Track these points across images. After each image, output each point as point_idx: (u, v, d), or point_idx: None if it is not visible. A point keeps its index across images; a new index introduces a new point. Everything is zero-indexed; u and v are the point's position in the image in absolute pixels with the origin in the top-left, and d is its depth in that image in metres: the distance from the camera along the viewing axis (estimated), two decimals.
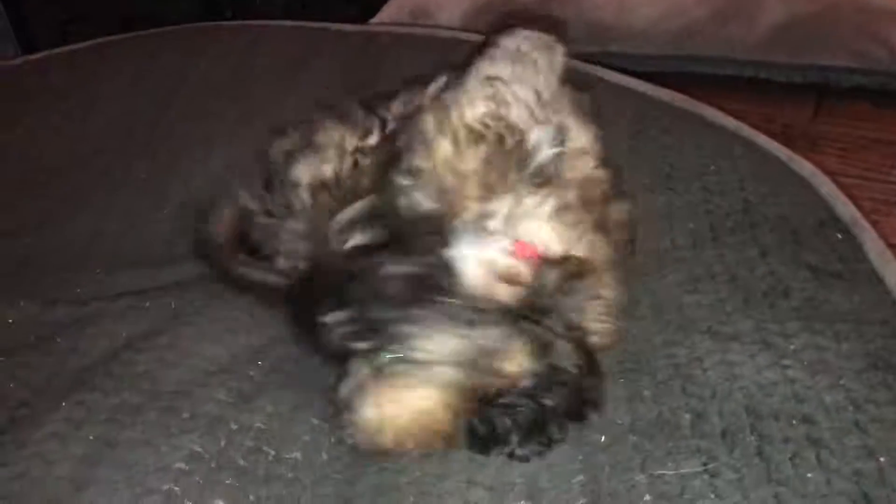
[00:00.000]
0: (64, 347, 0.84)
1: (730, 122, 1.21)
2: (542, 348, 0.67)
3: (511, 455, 0.68)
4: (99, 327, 0.87)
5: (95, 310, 0.90)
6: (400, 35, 1.49)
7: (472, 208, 0.73)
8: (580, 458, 0.70)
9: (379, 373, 0.66)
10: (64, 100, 1.31)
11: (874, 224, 1.56)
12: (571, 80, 1.32)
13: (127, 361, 0.80)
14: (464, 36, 1.47)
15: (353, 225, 0.75)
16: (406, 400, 0.65)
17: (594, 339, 0.72)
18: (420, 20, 2.02)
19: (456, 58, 1.35)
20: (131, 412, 0.72)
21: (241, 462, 0.69)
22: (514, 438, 0.67)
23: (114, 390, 0.75)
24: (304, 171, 0.88)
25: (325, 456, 0.72)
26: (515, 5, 2.01)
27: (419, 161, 0.73)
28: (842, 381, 0.73)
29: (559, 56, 0.86)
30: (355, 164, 0.86)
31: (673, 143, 1.15)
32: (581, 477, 0.68)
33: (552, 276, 0.70)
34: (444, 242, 0.70)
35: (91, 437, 0.70)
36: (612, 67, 1.46)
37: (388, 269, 0.67)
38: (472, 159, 0.73)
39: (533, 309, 0.69)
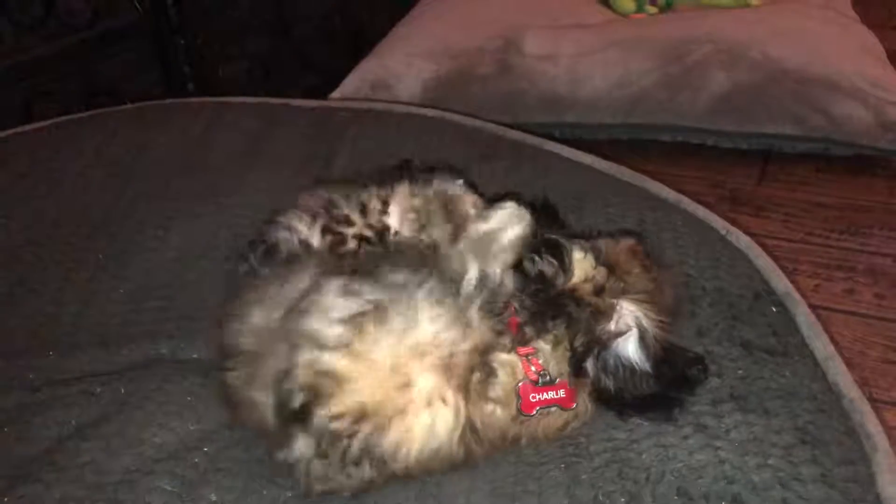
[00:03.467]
0: (12, 437, 0.84)
1: (671, 195, 1.26)
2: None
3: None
4: (49, 415, 0.87)
5: (47, 396, 0.90)
6: (358, 111, 1.54)
7: None
8: None
9: None
10: (23, 180, 1.32)
11: (815, 288, 1.64)
12: (522, 154, 1.39)
13: (73, 451, 0.80)
14: (420, 112, 1.52)
15: None
16: None
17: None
18: (380, 92, 2.08)
19: (412, 133, 1.43)
20: None
21: None
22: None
23: (56, 482, 0.75)
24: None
25: None
26: (473, 79, 2.09)
27: None
28: (770, 461, 0.76)
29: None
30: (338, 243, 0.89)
31: (616, 216, 1.19)
32: None
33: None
34: None
35: None
36: (567, 136, 1.53)
37: None
38: None
39: None
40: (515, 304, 0.78)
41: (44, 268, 1.13)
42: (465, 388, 0.73)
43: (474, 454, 0.75)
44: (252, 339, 0.80)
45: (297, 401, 0.71)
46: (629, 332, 0.78)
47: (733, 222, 1.18)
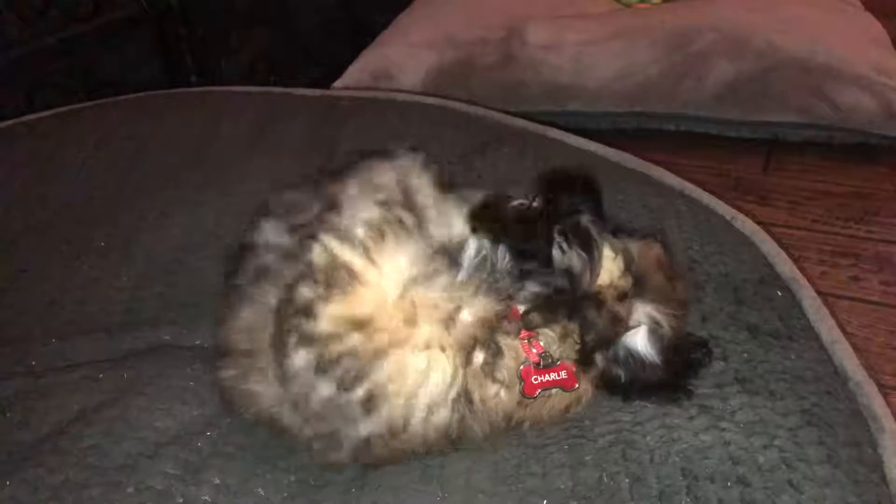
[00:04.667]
0: (14, 422, 0.84)
1: (675, 182, 1.25)
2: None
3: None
4: (50, 400, 0.87)
5: (49, 382, 0.90)
6: (360, 100, 1.54)
7: None
8: None
9: None
10: (26, 169, 1.32)
11: (821, 275, 1.63)
12: (526, 142, 1.39)
13: (75, 435, 0.80)
14: (422, 100, 1.52)
15: None
16: None
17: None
18: (382, 82, 2.08)
19: (415, 122, 1.42)
20: (76, 489, 0.72)
21: None
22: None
23: (59, 467, 0.75)
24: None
25: None
26: (475, 68, 2.09)
27: None
28: (776, 441, 0.75)
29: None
30: None
31: (621, 203, 1.19)
32: None
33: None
34: None
35: None
36: (570, 126, 1.52)
37: None
38: None
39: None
40: (516, 292, 0.76)
41: (46, 255, 1.13)
42: (466, 356, 0.72)
43: (467, 429, 0.74)
44: (244, 338, 0.79)
45: (306, 294, 0.70)
46: (639, 326, 0.77)
47: (739, 210, 1.18)
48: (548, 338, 0.77)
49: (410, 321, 0.71)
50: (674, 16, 2.18)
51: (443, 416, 0.71)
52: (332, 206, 0.77)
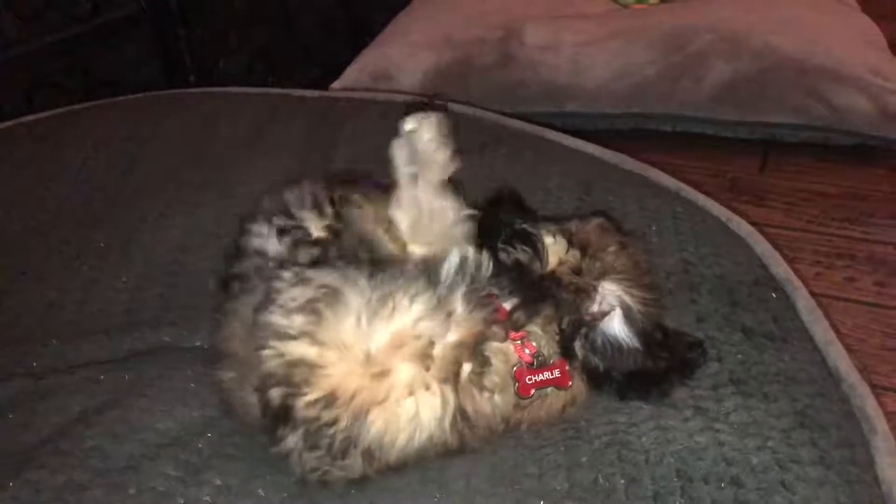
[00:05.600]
0: (16, 423, 0.85)
1: (672, 183, 1.26)
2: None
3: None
4: (52, 402, 0.87)
5: (51, 384, 0.91)
6: (359, 100, 1.54)
7: None
8: None
9: None
10: (25, 170, 1.32)
11: (816, 276, 1.64)
12: (524, 143, 1.39)
13: (78, 437, 0.81)
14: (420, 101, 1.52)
15: None
16: None
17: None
18: (381, 82, 2.08)
19: None
20: (78, 490, 0.73)
21: None
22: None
23: (62, 468, 0.76)
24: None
25: None
26: (473, 69, 2.09)
27: None
28: (769, 443, 0.76)
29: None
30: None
31: (617, 204, 1.20)
32: None
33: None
34: None
35: None
36: (567, 126, 1.53)
37: None
38: None
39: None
40: (496, 291, 0.78)
41: (46, 257, 1.14)
42: (452, 379, 0.73)
43: (470, 441, 0.75)
44: (237, 343, 0.80)
45: (277, 398, 0.71)
46: (612, 311, 0.79)
47: (735, 211, 1.19)
48: (536, 336, 0.78)
49: (384, 374, 0.71)
50: (671, 17, 2.18)
51: (441, 440, 0.73)
52: (263, 307, 0.75)
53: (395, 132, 1.39)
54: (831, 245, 1.74)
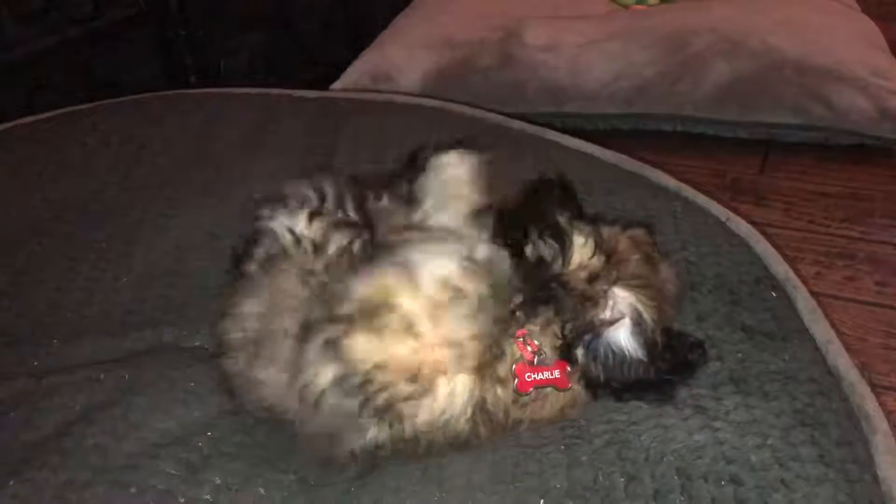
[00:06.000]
0: (17, 422, 0.85)
1: (671, 183, 1.26)
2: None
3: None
4: (53, 401, 0.88)
5: (51, 383, 0.91)
6: (359, 101, 1.55)
7: None
8: None
9: None
10: (26, 170, 1.33)
11: (816, 276, 1.64)
12: (524, 144, 1.40)
13: (78, 435, 0.81)
14: (420, 102, 1.53)
15: None
16: None
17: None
18: (381, 83, 2.09)
19: (413, 123, 1.43)
20: (78, 489, 0.73)
21: None
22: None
23: (63, 466, 0.76)
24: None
25: None
26: (474, 70, 2.09)
27: None
28: (769, 441, 0.77)
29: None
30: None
31: (618, 204, 1.20)
32: None
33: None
34: None
35: None
36: (567, 127, 1.53)
37: None
38: None
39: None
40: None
41: (47, 257, 1.14)
42: (479, 369, 0.74)
43: (478, 434, 0.75)
44: (249, 326, 0.80)
45: (334, 332, 0.71)
46: (622, 319, 0.78)
47: (735, 211, 1.19)
48: (536, 335, 0.78)
49: (441, 369, 0.72)
50: (671, 17, 2.18)
51: (457, 428, 0.73)
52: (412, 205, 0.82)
53: (394, 133, 1.41)
54: (831, 245, 1.74)
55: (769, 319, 0.96)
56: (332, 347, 0.71)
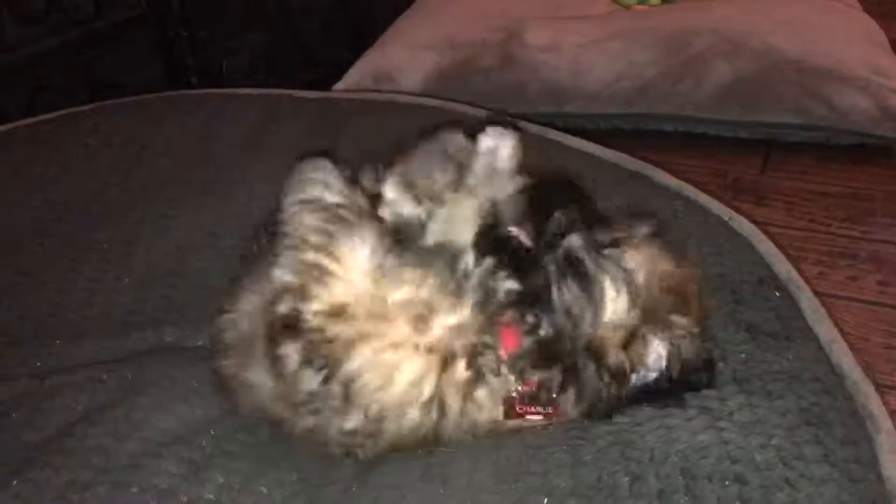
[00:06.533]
0: (19, 422, 0.85)
1: (673, 183, 1.26)
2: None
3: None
4: (55, 401, 0.87)
5: (54, 383, 0.91)
6: (360, 101, 1.55)
7: None
8: None
9: None
10: (28, 171, 1.33)
11: (818, 275, 1.64)
12: (525, 143, 1.40)
13: (80, 436, 0.81)
14: (422, 102, 1.53)
15: None
16: None
17: None
18: (382, 84, 2.09)
19: (414, 123, 1.43)
20: (80, 489, 0.73)
21: None
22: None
23: (65, 466, 0.76)
24: None
25: None
26: (475, 70, 2.09)
27: None
28: (773, 441, 0.76)
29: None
30: None
31: (619, 204, 1.20)
32: None
33: None
34: None
35: None
36: (568, 127, 1.53)
37: None
38: None
39: None
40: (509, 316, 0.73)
41: (49, 258, 1.14)
42: (442, 364, 0.72)
43: (445, 434, 0.74)
44: (244, 324, 0.80)
45: (286, 307, 0.72)
46: (659, 364, 0.75)
47: (736, 211, 1.18)
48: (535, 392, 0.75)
49: (382, 316, 0.72)
50: (672, 18, 2.19)
51: (413, 417, 0.72)
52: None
53: (396, 133, 1.40)
54: (833, 244, 1.73)
55: (773, 319, 0.96)
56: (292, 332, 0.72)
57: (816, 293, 1.04)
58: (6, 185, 1.31)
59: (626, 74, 2.05)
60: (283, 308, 0.73)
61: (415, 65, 2.13)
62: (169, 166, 1.33)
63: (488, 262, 0.74)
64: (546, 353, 0.72)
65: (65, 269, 1.12)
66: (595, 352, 0.72)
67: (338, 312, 0.71)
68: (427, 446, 0.75)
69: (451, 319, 0.72)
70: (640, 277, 0.74)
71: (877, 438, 0.81)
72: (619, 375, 0.73)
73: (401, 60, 2.15)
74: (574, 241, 0.72)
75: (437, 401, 0.72)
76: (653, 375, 0.76)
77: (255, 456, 0.79)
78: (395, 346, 0.71)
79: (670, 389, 0.78)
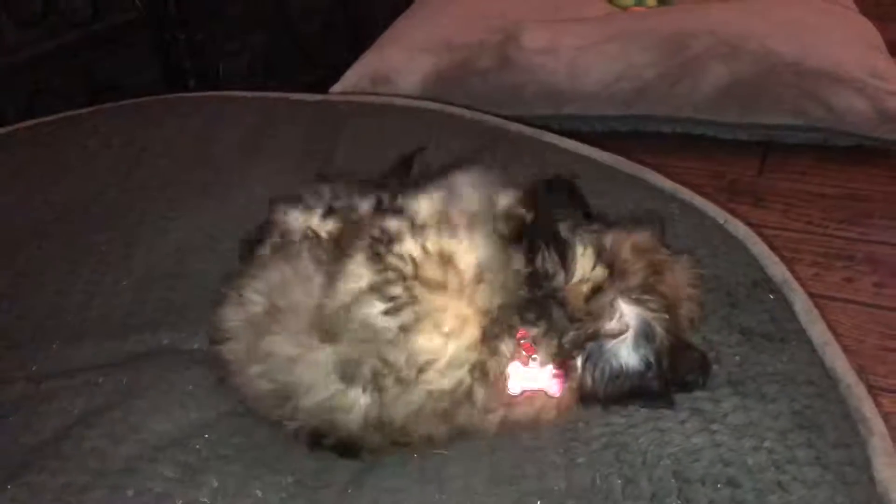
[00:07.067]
0: (16, 426, 0.85)
1: (669, 185, 1.27)
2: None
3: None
4: (52, 405, 0.88)
5: (50, 387, 0.91)
6: (358, 104, 1.55)
7: None
8: None
9: None
10: (26, 174, 1.33)
11: (814, 277, 1.64)
12: (522, 146, 1.40)
13: (77, 439, 0.81)
14: (418, 104, 1.53)
15: None
16: None
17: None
18: (380, 86, 2.09)
19: (412, 125, 1.43)
20: (77, 492, 0.73)
21: None
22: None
23: (61, 470, 0.76)
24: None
25: None
26: (472, 72, 2.10)
27: None
28: (766, 444, 0.77)
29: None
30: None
31: (616, 206, 1.20)
32: None
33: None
34: None
35: None
36: (565, 129, 1.54)
37: None
38: None
39: None
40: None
41: (47, 261, 1.14)
42: (487, 338, 0.75)
43: (470, 412, 0.76)
44: (250, 313, 0.81)
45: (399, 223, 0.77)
46: (626, 332, 0.78)
47: (733, 212, 1.19)
48: (534, 339, 0.78)
49: (471, 298, 0.75)
50: (669, 20, 2.19)
51: (457, 376, 0.74)
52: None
53: (393, 135, 1.41)
54: (830, 246, 1.74)
55: (767, 321, 0.96)
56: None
57: (812, 294, 1.05)
58: (5, 186, 1.31)
59: (623, 76, 2.05)
60: (385, 231, 0.76)
61: (412, 67, 2.13)
62: (168, 169, 1.33)
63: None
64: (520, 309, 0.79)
65: (64, 271, 1.13)
66: (562, 301, 0.79)
67: (416, 270, 0.74)
68: (450, 414, 0.76)
69: (497, 300, 0.76)
70: (609, 240, 0.83)
71: (870, 441, 0.82)
72: (584, 317, 0.78)
73: (398, 62, 2.15)
74: (564, 225, 0.83)
75: (480, 366, 0.75)
76: (624, 351, 0.78)
77: (251, 459, 0.80)
78: (462, 320, 0.74)
79: (664, 391, 0.79)
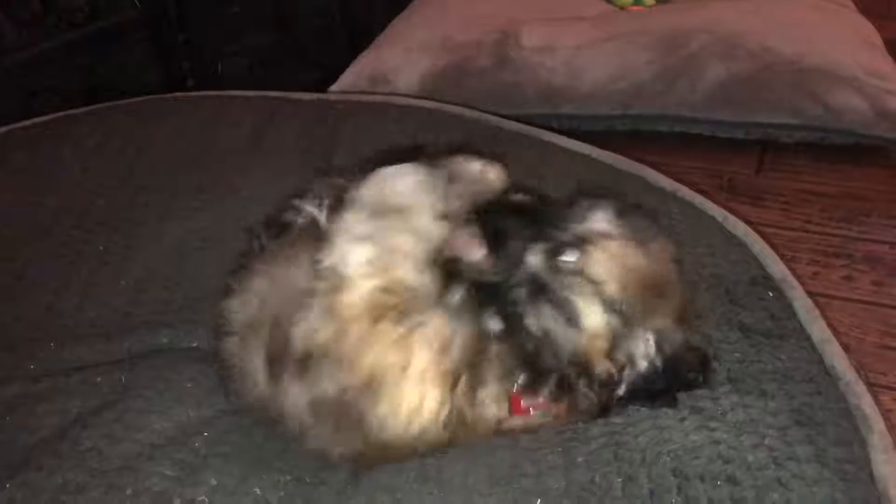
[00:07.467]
0: (13, 426, 0.85)
1: (668, 183, 1.26)
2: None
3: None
4: (50, 404, 0.88)
5: (48, 386, 0.91)
6: (356, 103, 1.55)
7: None
8: None
9: None
10: (25, 173, 1.33)
11: (813, 275, 1.64)
12: (520, 145, 1.40)
13: (74, 438, 0.81)
14: (416, 103, 1.53)
15: None
16: None
17: None
18: (378, 85, 2.09)
19: (410, 125, 1.43)
20: (75, 492, 0.73)
21: None
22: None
23: (59, 469, 0.76)
24: None
25: None
26: (470, 72, 2.10)
27: None
28: (766, 441, 0.77)
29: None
30: None
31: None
32: None
33: None
34: None
35: None
36: (564, 128, 1.53)
37: None
38: None
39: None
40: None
41: (45, 260, 1.14)
42: (454, 381, 0.73)
43: (459, 439, 0.75)
44: (252, 307, 0.81)
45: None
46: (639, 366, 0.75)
47: (731, 211, 1.19)
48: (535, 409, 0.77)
49: (405, 346, 0.71)
50: (667, 18, 2.19)
51: (434, 435, 0.73)
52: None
53: (392, 134, 1.41)
54: (828, 244, 1.74)
55: (766, 319, 0.96)
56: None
57: (811, 293, 1.05)
58: (3, 187, 1.31)
59: (621, 75, 2.05)
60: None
61: (411, 66, 2.13)
62: (166, 169, 1.33)
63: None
64: (536, 382, 0.75)
65: (60, 271, 1.13)
66: (581, 364, 0.73)
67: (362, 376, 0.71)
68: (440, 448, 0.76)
69: (461, 339, 0.73)
70: (611, 285, 0.73)
71: (869, 438, 0.82)
72: (607, 383, 0.74)
73: (396, 62, 2.15)
74: (534, 262, 0.73)
75: (457, 414, 0.73)
76: (643, 364, 0.75)
77: (249, 457, 0.80)
78: (420, 381, 0.71)
79: (666, 388, 0.78)
